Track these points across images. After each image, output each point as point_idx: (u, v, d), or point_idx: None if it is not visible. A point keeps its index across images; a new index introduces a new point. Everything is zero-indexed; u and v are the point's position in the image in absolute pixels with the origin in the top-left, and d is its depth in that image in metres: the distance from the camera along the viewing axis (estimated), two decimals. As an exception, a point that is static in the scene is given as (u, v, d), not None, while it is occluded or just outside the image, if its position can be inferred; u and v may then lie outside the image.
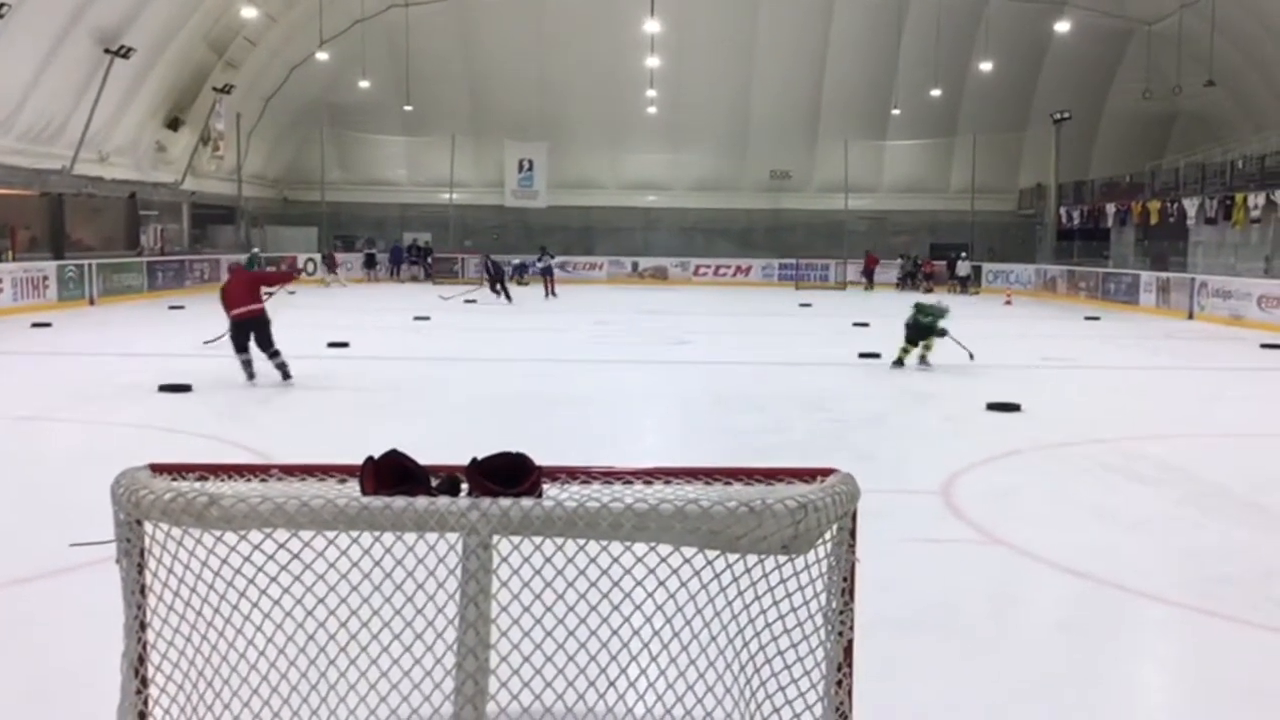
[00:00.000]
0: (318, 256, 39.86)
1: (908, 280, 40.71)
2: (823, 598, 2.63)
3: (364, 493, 2.36)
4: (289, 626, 2.70)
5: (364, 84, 39.15)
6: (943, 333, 15.34)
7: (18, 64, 24.81)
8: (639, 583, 2.56)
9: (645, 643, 2.65)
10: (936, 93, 38.93)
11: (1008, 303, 33.24)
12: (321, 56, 37.27)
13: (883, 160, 43.77)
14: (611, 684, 2.63)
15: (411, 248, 42.52)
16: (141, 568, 2.60)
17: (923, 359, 15.55)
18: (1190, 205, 30.37)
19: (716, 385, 13.87)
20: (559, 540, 2.36)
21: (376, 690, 2.73)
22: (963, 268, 39.42)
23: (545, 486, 2.44)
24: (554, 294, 33.26)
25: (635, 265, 43.12)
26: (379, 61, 39.20)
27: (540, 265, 34.96)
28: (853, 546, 2.61)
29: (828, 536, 2.52)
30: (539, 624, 2.64)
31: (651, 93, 40.29)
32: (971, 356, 15.63)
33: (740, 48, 40.34)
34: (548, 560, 2.50)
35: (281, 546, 2.54)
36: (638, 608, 2.60)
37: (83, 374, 14.52)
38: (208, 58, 34.66)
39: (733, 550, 2.35)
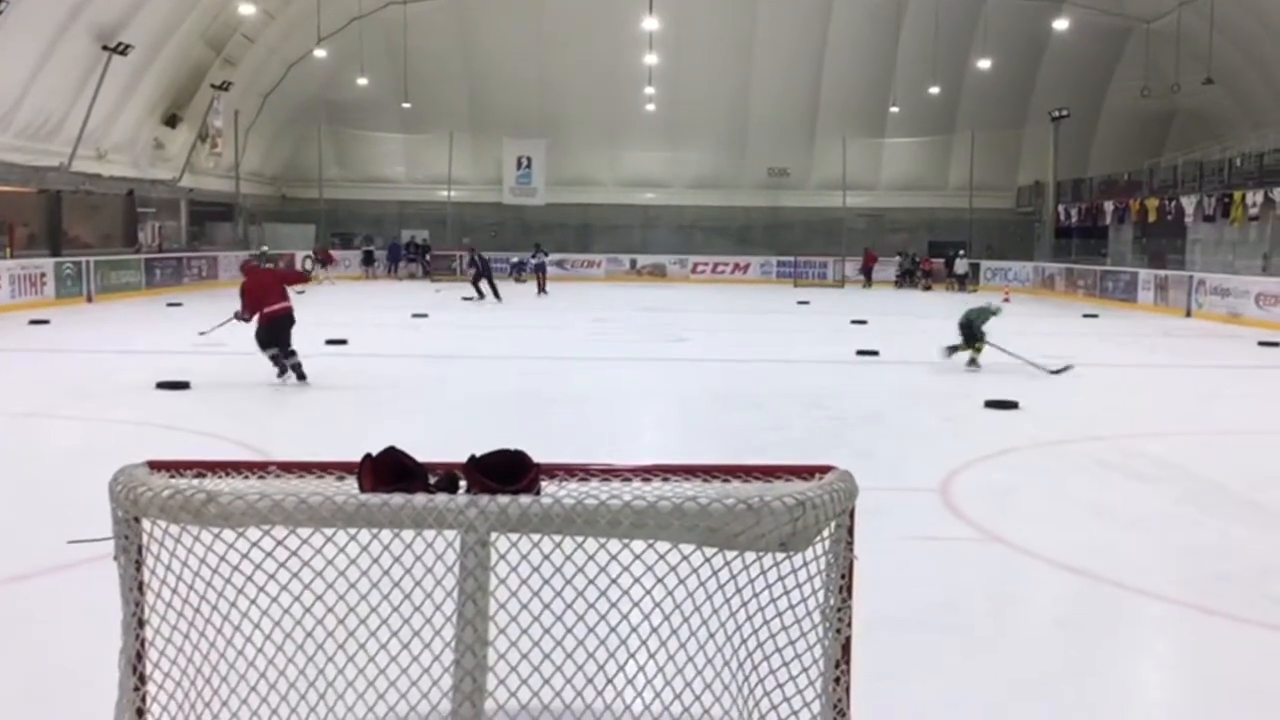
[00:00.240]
0: (311, 254, 39.56)
1: (906, 278, 40.72)
2: (821, 595, 2.63)
3: (362, 490, 2.36)
4: (287, 624, 2.70)
5: (362, 81, 39.11)
6: (980, 334, 15.23)
7: (16, 61, 24.77)
8: (637, 580, 2.56)
9: (643, 640, 2.65)
10: (935, 90, 38.92)
11: (1006, 300, 33.22)
12: (319, 54, 37.25)
13: (881, 158, 43.77)
14: (609, 681, 2.63)
15: (409, 245, 42.49)
16: (139, 565, 2.60)
17: (972, 360, 15.42)
18: (1188, 203, 30.37)
19: (715, 383, 13.87)
20: (557, 537, 2.36)
21: (375, 687, 2.73)
22: (961, 265, 39.44)
23: (543, 484, 2.44)
24: (545, 291, 33.31)
25: (633, 263, 43.11)
26: (377, 59, 39.17)
27: (534, 262, 35.04)
28: (851, 544, 2.61)
29: (826, 534, 2.52)
30: (537, 621, 2.64)
31: (650, 90, 40.27)
32: (1053, 372, 14.91)
33: (739, 45, 40.32)
34: (546, 557, 2.50)
35: (280, 544, 2.54)
36: (635, 605, 2.60)
37: (80, 371, 14.51)
38: (206, 55, 34.63)
39: (731, 548, 2.35)
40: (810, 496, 2.34)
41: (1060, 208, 39.80)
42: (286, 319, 13.01)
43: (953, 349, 15.54)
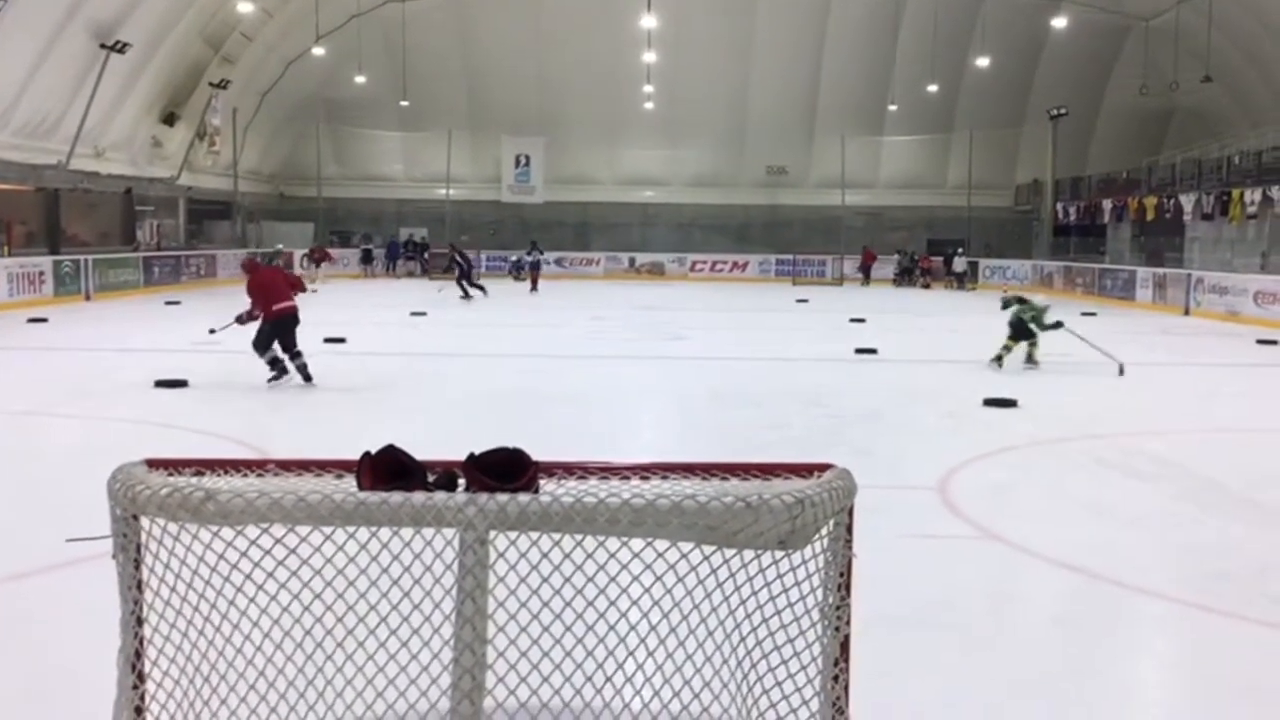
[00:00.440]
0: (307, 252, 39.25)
1: (904, 276, 40.72)
2: (819, 593, 2.63)
3: (361, 488, 2.36)
4: (285, 622, 2.70)
5: (360, 79, 39.08)
6: (1052, 325, 15.12)
7: (13, 59, 24.76)
8: (635, 578, 2.56)
9: (642, 638, 2.65)
10: (933, 88, 38.94)
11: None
12: (318, 51, 37.24)
13: (880, 156, 43.77)
14: (608, 679, 2.63)
15: (408, 243, 42.47)
16: (138, 563, 2.60)
17: (1030, 357, 15.34)
18: (1187, 201, 30.38)
19: (713, 381, 13.87)
20: (556, 535, 2.36)
21: (374, 685, 2.73)
22: (959, 263, 39.45)
23: (542, 482, 2.43)
24: (536, 289, 33.44)
25: (632, 261, 43.10)
26: (375, 57, 39.16)
27: (530, 260, 35.15)
28: (849, 542, 2.61)
29: (824, 532, 2.52)
30: (535, 619, 2.63)
31: (648, 88, 40.27)
32: (1120, 368, 14.88)
33: (737, 43, 40.31)
34: (544, 556, 2.50)
35: (278, 542, 2.53)
36: (634, 603, 2.59)
37: (79, 369, 14.50)
38: (204, 53, 34.62)
39: (729, 546, 2.35)
40: (809, 494, 2.34)
41: (1059, 206, 39.81)
42: (293, 318, 12.78)
43: (1000, 357, 15.32)
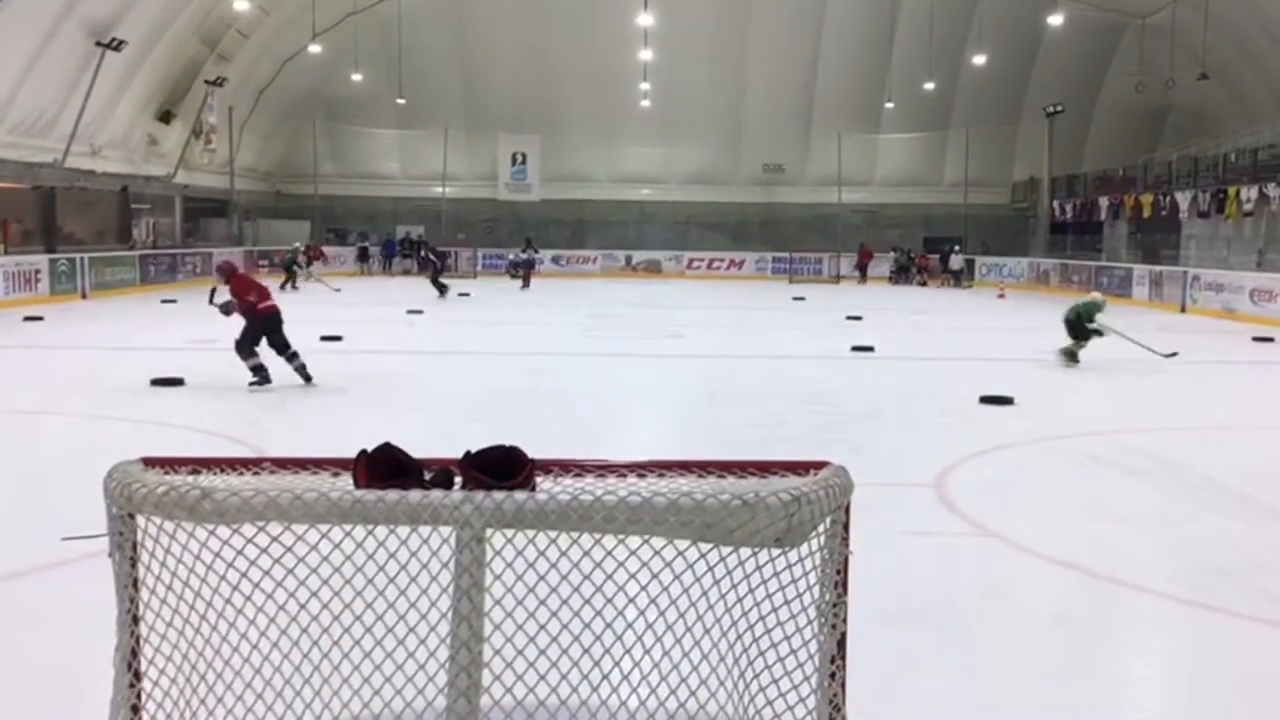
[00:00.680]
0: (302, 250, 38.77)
1: (901, 274, 40.73)
2: (816, 590, 2.63)
3: (357, 486, 2.36)
4: (282, 620, 2.70)
5: (356, 77, 39.03)
6: (1099, 333, 15.16)
7: (9, 56, 24.71)
8: (632, 576, 2.56)
9: (639, 636, 2.65)
10: (930, 86, 38.91)
11: (1001, 296, 33.27)
12: (314, 49, 37.15)
13: (876, 153, 43.75)
14: (605, 677, 2.63)
15: (404, 241, 42.44)
16: (134, 561, 2.60)
17: (1073, 355, 15.36)
18: (1183, 198, 30.41)
19: (710, 379, 13.87)
20: (552, 534, 2.36)
21: (370, 683, 2.73)
22: (956, 261, 39.46)
23: (538, 480, 2.43)
24: (527, 286, 33.68)
25: (629, 259, 43.09)
26: (371, 54, 39.11)
27: (524, 257, 35.26)
28: (846, 539, 2.61)
29: (821, 529, 2.52)
30: (532, 617, 2.64)
31: (645, 86, 40.24)
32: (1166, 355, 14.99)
33: (733, 41, 40.28)
34: (541, 554, 2.50)
35: (275, 540, 2.53)
36: (631, 601, 2.59)
37: (75, 368, 14.49)
38: (200, 51, 34.55)
39: (726, 543, 2.35)
40: (805, 492, 2.34)
41: (1055, 203, 39.83)
42: (278, 317, 12.62)
43: (1072, 352, 15.33)
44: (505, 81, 41.24)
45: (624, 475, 2.65)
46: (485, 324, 22.10)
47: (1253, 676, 4.81)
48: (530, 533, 2.38)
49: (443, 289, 29.06)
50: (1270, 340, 19.49)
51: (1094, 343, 15.36)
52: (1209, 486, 8.33)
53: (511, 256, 38.54)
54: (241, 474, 2.66)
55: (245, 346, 12.42)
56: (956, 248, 40.14)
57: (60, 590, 5.54)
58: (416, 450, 2.47)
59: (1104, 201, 35.64)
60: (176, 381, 12.52)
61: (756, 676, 2.67)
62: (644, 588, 2.58)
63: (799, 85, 41.58)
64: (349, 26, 37.88)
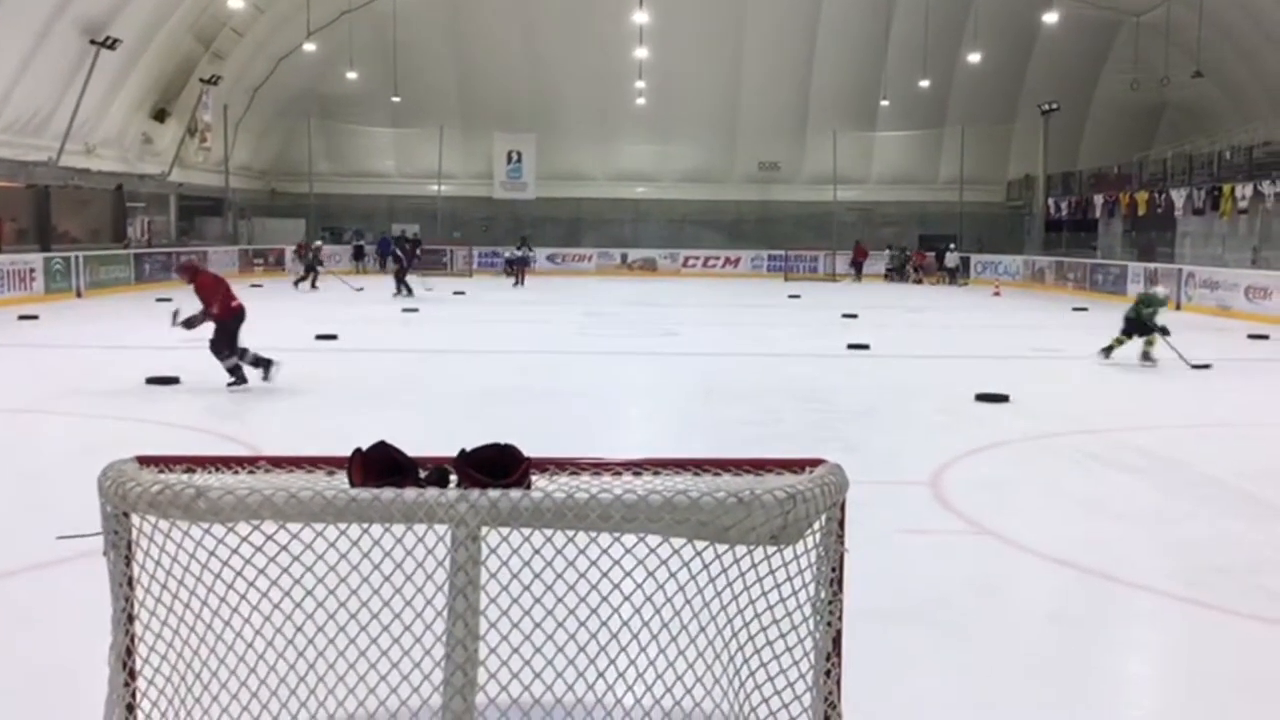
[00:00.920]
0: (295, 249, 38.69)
1: (896, 272, 40.74)
2: (811, 588, 2.63)
3: (352, 484, 2.35)
4: (277, 618, 2.69)
5: (351, 75, 38.99)
6: (1164, 330, 15.07)
7: (3, 55, 24.69)
8: (628, 574, 2.55)
9: (634, 634, 2.65)
10: (925, 84, 38.93)
11: (996, 294, 33.31)
12: (309, 48, 37.13)
13: (871, 151, 43.78)
14: (600, 675, 2.63)
15: (399, 239, 42.34)
16: (129, 560, 2.59)
17: (1146, 355, 15.25)
18: (1178, 196, 30.46)
19: (706, 377, 13.87)
20: (548, 532, 2.36)
21: (365, 682, 2.73)
22: (951, 259, 39.49)
23: (534, 478, 2.43)
24: (521, 284, 33.82)
25: (624, 257, 43.09)
26: (367, 53, 39.06)
27: (519, 255, 35.31)
28: (841, 537, 2.61)
29: (816, 527, 2.52)
30: (528, 615, 2.63)
31: (640, 84, 40.23)
32: (1196, 366, 14.93)
33: (729, 39, 40.29)
34: (536, 552, 2.50)
35: (269, 539, 2.53)
36: (626, 599, 2.59)
37: (70, 367, 14.47)
38: (194, 49, 34.51)
39: (721, 541, 2.35)
40: (801, 490, 2.34)
41: (1050, 201, 39.86)
42: (244, 314, 12.49)
43: (1111, 348, 15.25)
44: (500, 80, 41.22)
45: (619, 473, 2.65)
46: (481, 322, 22.09)
47: (1250, 674, 4.81)
48: (525, 531, 2.37)
49: (403, 288, 28.26)
50: (1265, 338, 19.52)
51: (1100, 343, 15.34)
52: (1206, 483, 8.34)
53: (508, 255, 38.52)
54: (236, 472, 2.65)
55: (221, 347, 12.29)
56: (952, 246, 40.16)
57: (55, 589, 5.53)
58: (412, 448, 2.47)
59: (1099, 199, 35.68)
60: (172, 380, 12.50)
61: (752, 674, 2.67)
62: (639, 586, 2.58)
63: (794, 83, 41.60)
64: (344, 24, 37.86)
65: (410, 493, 2.27)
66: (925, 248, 41.55)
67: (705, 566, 2.56)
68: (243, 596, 2.66)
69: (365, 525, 2.36)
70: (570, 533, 2.35)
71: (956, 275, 39.14)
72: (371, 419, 10.61)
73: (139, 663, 2.63)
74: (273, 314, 22.26)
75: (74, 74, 27.59)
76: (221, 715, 2.76)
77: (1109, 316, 24.71)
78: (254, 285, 32.64)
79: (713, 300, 29.10)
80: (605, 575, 2.55)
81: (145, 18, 29.55)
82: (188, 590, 2.63)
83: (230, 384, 12.27)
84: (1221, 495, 8.00)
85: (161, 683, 2.67)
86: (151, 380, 12.48)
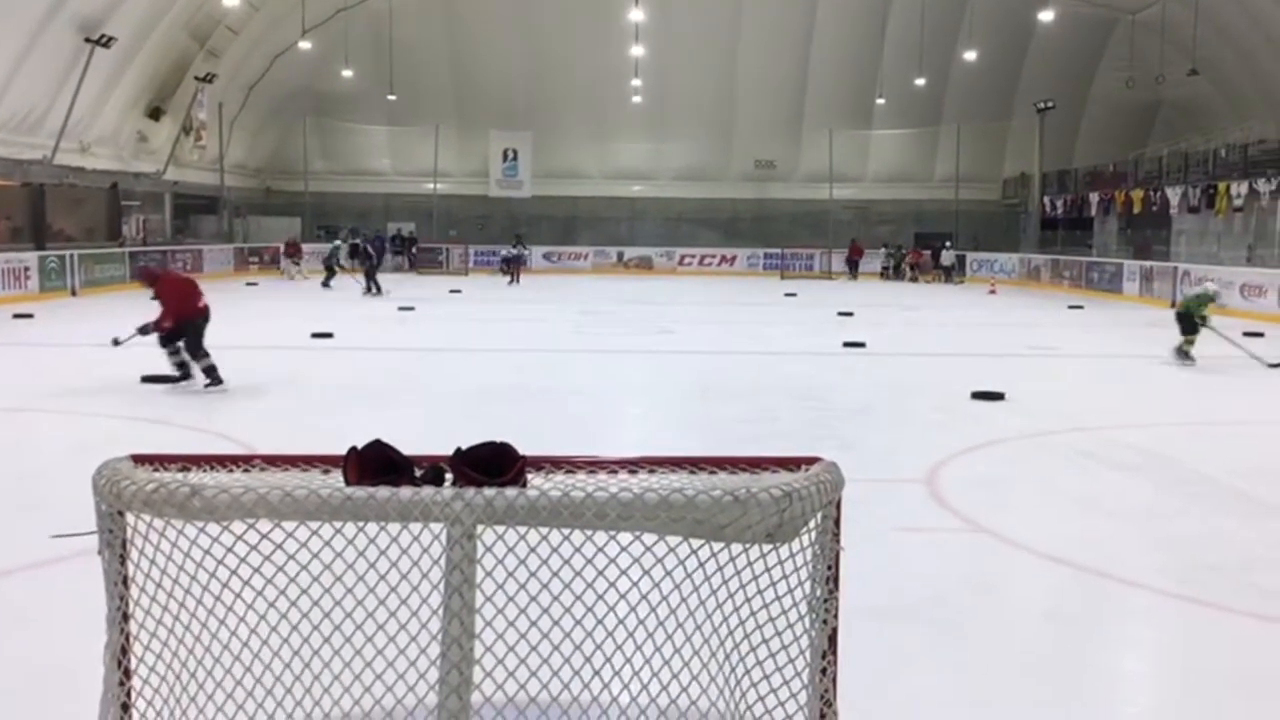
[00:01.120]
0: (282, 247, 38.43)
1: (892, 270, 40.74)
2: (807, 586, 2.63)
3: (348, 483, 2.35)
4: (272, 617, 2.69)
5: (347, 73, 38.95)
6: (1204, 319, 15.06)
7: (-2, 53, 24.66)
8: (624, 572, 2.56)
9: (630, 632, 2.65)
10: (921, 82, 38.95)
11: (992, 292, 33.33)
12: (304, 45, 37.05)
13: (867, 150, 43.79)
14: (596, 673, 2.63)
15: (395, 238, 42.34)
16: (124, 559, 2.59)
17: (1186, 353, 15.27)
18: (1173, 194, 30.49)
19: (702, 375, 13.87)
20: (543, 530, 2.36)
21: (361, 680, 2.73)
22: (947, 257, 39.50)
23: (529, 476, 2.43)
24: (517, 282, 33.96)
25: (620, 255, 43.05)
26: (362, 50, 39.02)
27: (514, 253, 35.41)
28: (837, 535, 2.61)
29: (812, 525, 2.52)
30: (523, 614, 2.63)
31: (636, 82, 40.23)
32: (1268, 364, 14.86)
33: (724, 37, 40.30)
34: (532, 550, 2.50)
35: (264, 537, 2.53)
36: (622, 597, 2.59)
37: (65, 365, 14.44)
38: (189, 47, 34.44)
39: (717, 539, 2.35)
40: (797, 488, 2.34)
41: (1046, 199, 39.90)
42: (205, 320, 12.32)
43: (1184, 350, 15.23)
44: (496, 77, 41.19)
45: (615, 471, 2.65)
46: (477, 321, 22.07)
47: (1244, 671, 4.82)
48: (521, 529, 2.37)
49: (371, 287, 28.15)
50: (1260, 335, 19.52)
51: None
52: (1200, 481, 8.35)
53: (504, 253, 38.50)
54: (231, 471, 2.65)
55: (194, 349, 12.19)
56: (948, 244, 40.18)
57: (50, 588, 5.52)
58: (407, 447, 2.47)
59: (1095, 197, 35.72)
60: (167, 379, 12.48)
61: (748, 672, 2.67)
62: (635, 584, 2.58)
63: (790, 81, 41.61)
64: (339, 22, 37.83)
65: (406, 491, 2.27)
66: (921, 246, 41.54)
67: (701, 565, 2.56)
68: (238, 595, 2.66)
69: (361, 524, 2.36)
70: (566, 531, 2.35)
71: (952, 273, 39.15)
72: (367, 417, 10.59)
73: (134, 661, 2.63)
74: (268, 313, 22.26)
75: (69, 72, 27.53)
76: (217, 714, 2.75)
77: (1104, 314, 24.80)
78: (249, 284, 32.64)
79: (708, 298, 29.09)
80: (601, 574, 2.55)
81: (140, 15, 29.49)
82: (183, 589, 2.63)
83: (207, 385, 12.14)
84: (1214, 493, 8.01)
85: (157, 681, 2.67)
86: (147, 379, 12.45)
